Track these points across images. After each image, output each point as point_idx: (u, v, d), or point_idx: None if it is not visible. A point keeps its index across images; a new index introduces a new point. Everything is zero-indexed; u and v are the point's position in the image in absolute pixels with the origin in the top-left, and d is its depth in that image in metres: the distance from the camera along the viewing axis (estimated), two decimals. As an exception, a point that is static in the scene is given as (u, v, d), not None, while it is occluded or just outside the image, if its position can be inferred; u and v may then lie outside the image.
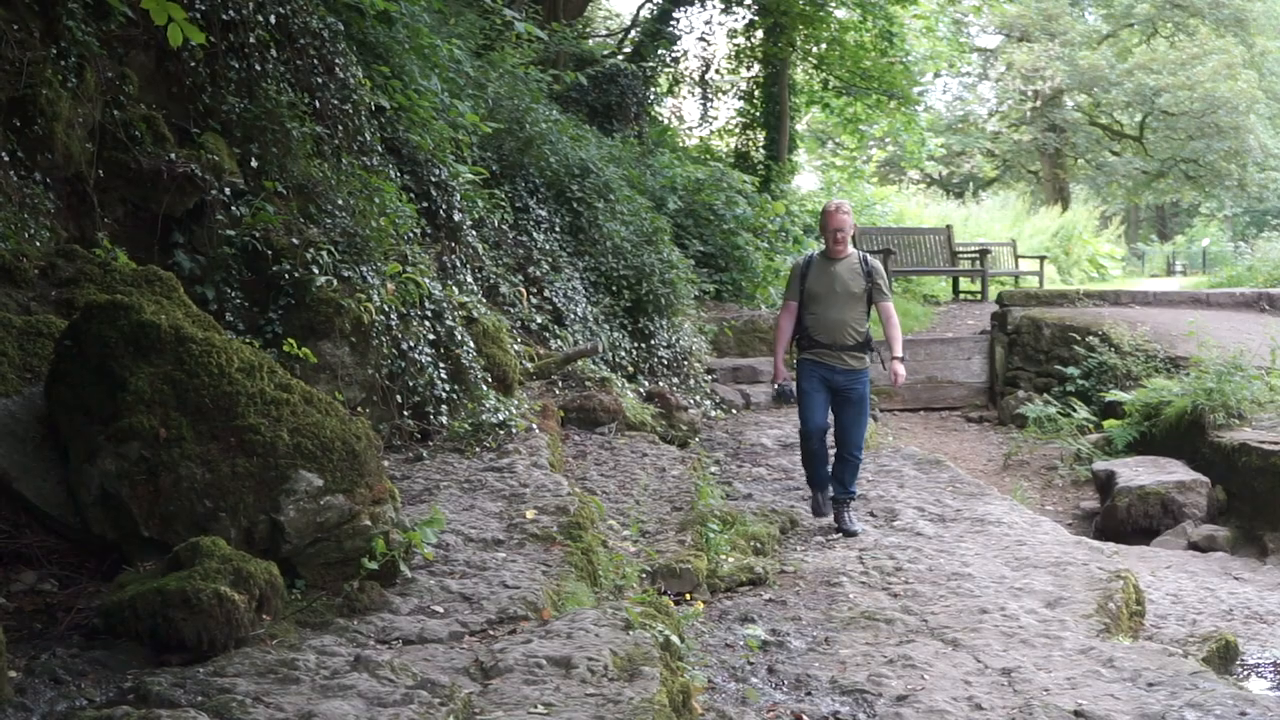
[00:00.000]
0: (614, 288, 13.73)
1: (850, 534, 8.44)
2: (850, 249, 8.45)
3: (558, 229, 13.56)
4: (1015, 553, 8.11)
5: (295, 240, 7.74)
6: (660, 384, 13.15)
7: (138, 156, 7.22)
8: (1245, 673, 6.99)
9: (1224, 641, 6.99)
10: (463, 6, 15.37)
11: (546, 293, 12.44)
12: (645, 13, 26.85)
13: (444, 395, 8.47)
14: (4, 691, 3.83)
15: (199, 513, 4.93)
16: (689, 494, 8.69)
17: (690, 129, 28.11)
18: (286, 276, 7.56)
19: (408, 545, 5.35)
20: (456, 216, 10.82)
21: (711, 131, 28.14)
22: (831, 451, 8.77)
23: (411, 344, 8.28)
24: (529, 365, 10.73)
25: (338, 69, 9.22)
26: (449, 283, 9.82)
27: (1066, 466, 13.44)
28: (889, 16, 25.69)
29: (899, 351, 8.39)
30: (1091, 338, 15.58)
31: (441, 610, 5.19)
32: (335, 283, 7.77)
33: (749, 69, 27.09)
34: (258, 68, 8.28)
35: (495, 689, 4.27)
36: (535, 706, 4.08)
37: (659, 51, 25.54)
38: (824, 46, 26.65)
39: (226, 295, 7.40)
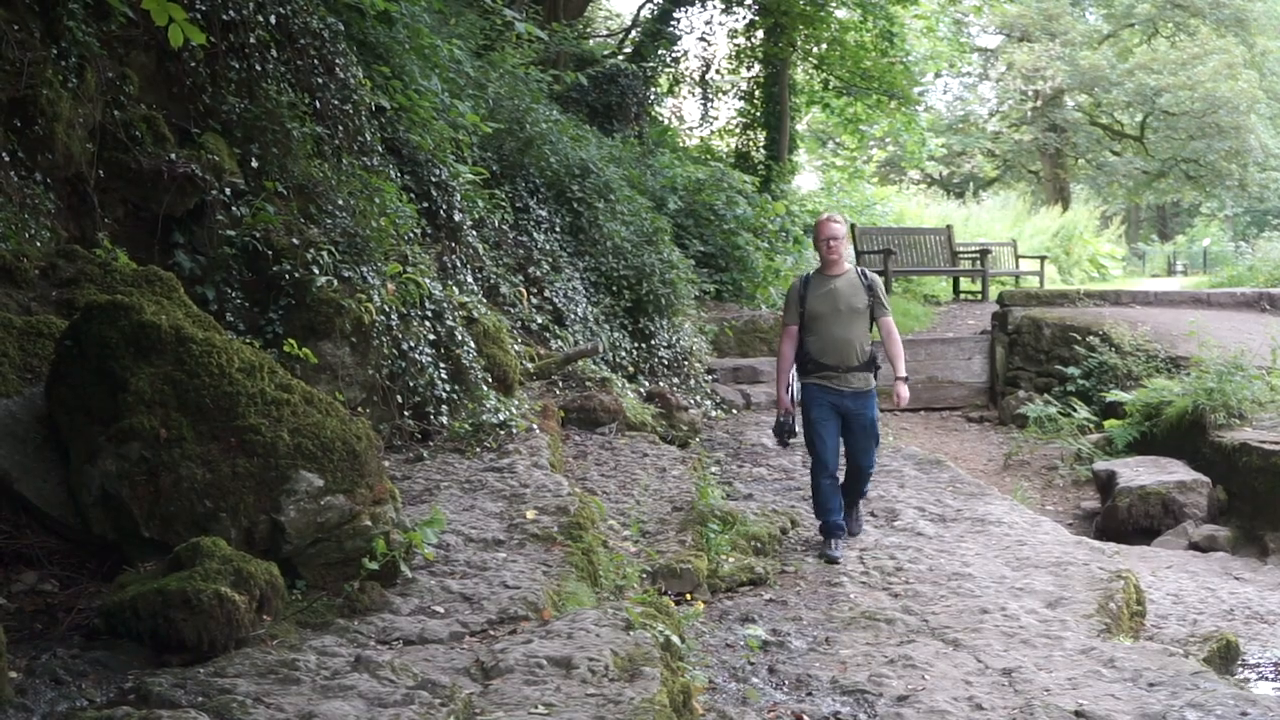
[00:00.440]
0: (614, 288, 13.73)
1: (851, 533, 8.32)
2: (847, 264, 8.13)
3: (558, 229, 13.56)
4: (1016, 553, 8.11)
5: (295, 240, 7.74)
6: (661, 384, 13.16)
7: (138, 157, 7.22)
8: (1246, 673, 6.98)
9: (1225, 641, 6.99)
10: (463, 7, 15.38)
11: (547, 293, 12.44)
12: (645, 13, 26.86)
13: (444, 395, 8.47)
14: (5, 692, 3.83)
15: (199, 513, 4.93)
16: (689, 494, 8.69)
17: (691, 129, 28.13)
18: (287, 277, 7.56)
19: (408, 545, 5.35)
20: (457, 217, 10.82)
21: (712, 131, 28.16)
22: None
23: (412, 344, 8.28)
24: (529, 365, 10.73)
25: (338, 69, 9.22)
26: (449, 283, 9.82)
27: (1067, 466, 13.43)
28: (889, 16, 25.69)
29: (902, 371, 8.08)
30: (1092, 338, 15.57)
31: (442, 610, 5.19)
32: (336, 283, 7.77)
33: (749, 69, 27.11)
34: (258, 68, 8.28)
35: (496, 689, 4.27)
36: (536, 707, 4.08)
37: (659, 51, 25.55)
38: (824, 46, 26.66)
39: (227, 295, 7.40)
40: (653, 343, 13.89)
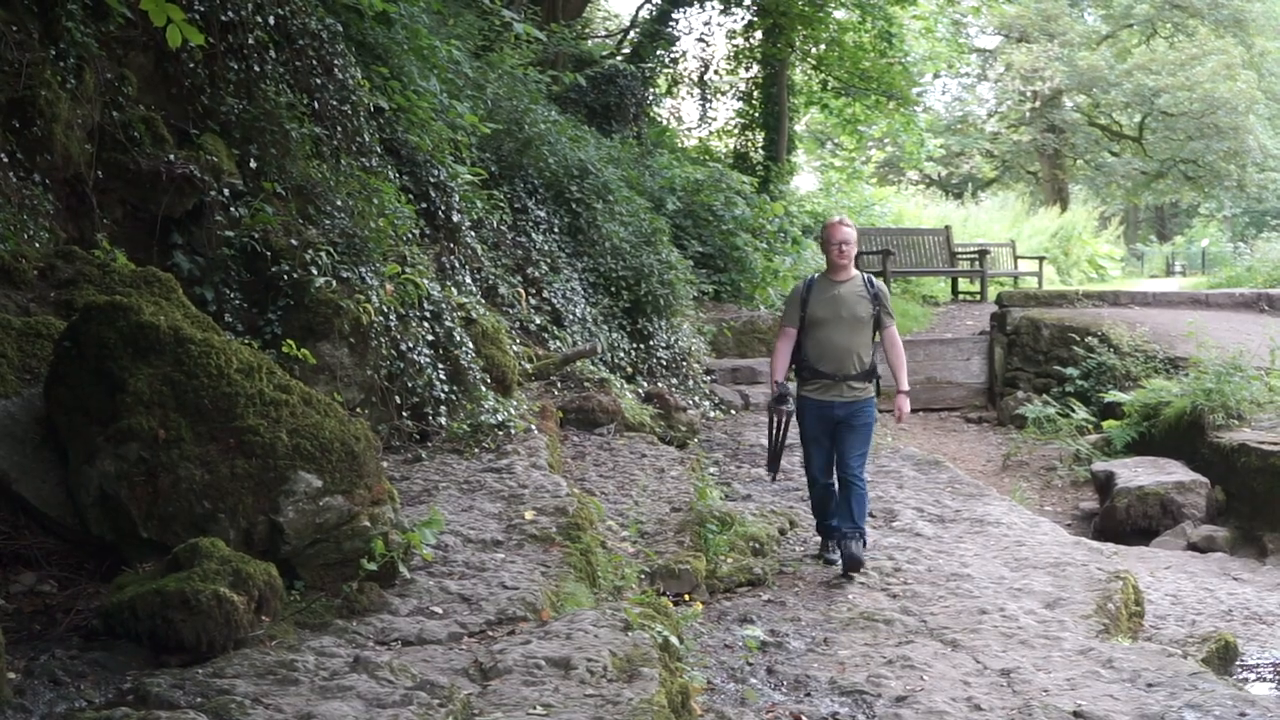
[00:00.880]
0: (613, 288, 13.73)
1: (858, 565, 7.56)
2: (854, 270, 7.82)
3: (556, 230, 13.56)
4: (1014, 553, 8.11)
5: (294, 241, 7.74)
6: (659, 385, 13.15)
7: (137, 158, 7.22)
8: (1244, 673, 6.99)
9: (1223, 642, 6.99)
10: (461, 7, 15.38)
11: (545, 293, 12.44)
12: (644, 13, 26.85)
13: (443, 396, 8.47)
14: (3, 693, 3.83)
15: (198, 514, 4.93)
16: (688, 495, 8.69)
17: (689, 130, 28.12)
18: (285, 277, 7.56)
19: (407, 546, 5.35)
20: (455, 217, 10.82)
21: (710, 132, 28.16)
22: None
23: (410, 345, 8.27)
24: (528, 366, 10.72)
25: (337, 70, 9.22)
26: (448, 283, 9.82)
27: (1066, 467, 13.44)
28: (888, 17, 25.68)
29: (904, 384, 7.82)
30: (1091, 338, 15.58)
31: (440, 611, 5.19)
32: (334, 284, 7.77)
33: (748, 70, 27.11)
34: (257, 69, 8.28)
35: (494, 690, 4.27)
36: (534, 707, 4.08)
37: (658, 52, 25.55)
38: (823, 47, 26.66)
39: (225, 296, 7.40)
40: (651, 343, 13.89)
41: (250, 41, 8.24)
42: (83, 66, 6.92)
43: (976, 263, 23.57)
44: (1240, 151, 39.90)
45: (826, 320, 7.63)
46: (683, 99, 28.19)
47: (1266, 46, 41.94)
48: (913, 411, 16.26)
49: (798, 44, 26.00)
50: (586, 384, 11.54)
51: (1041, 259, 26.12)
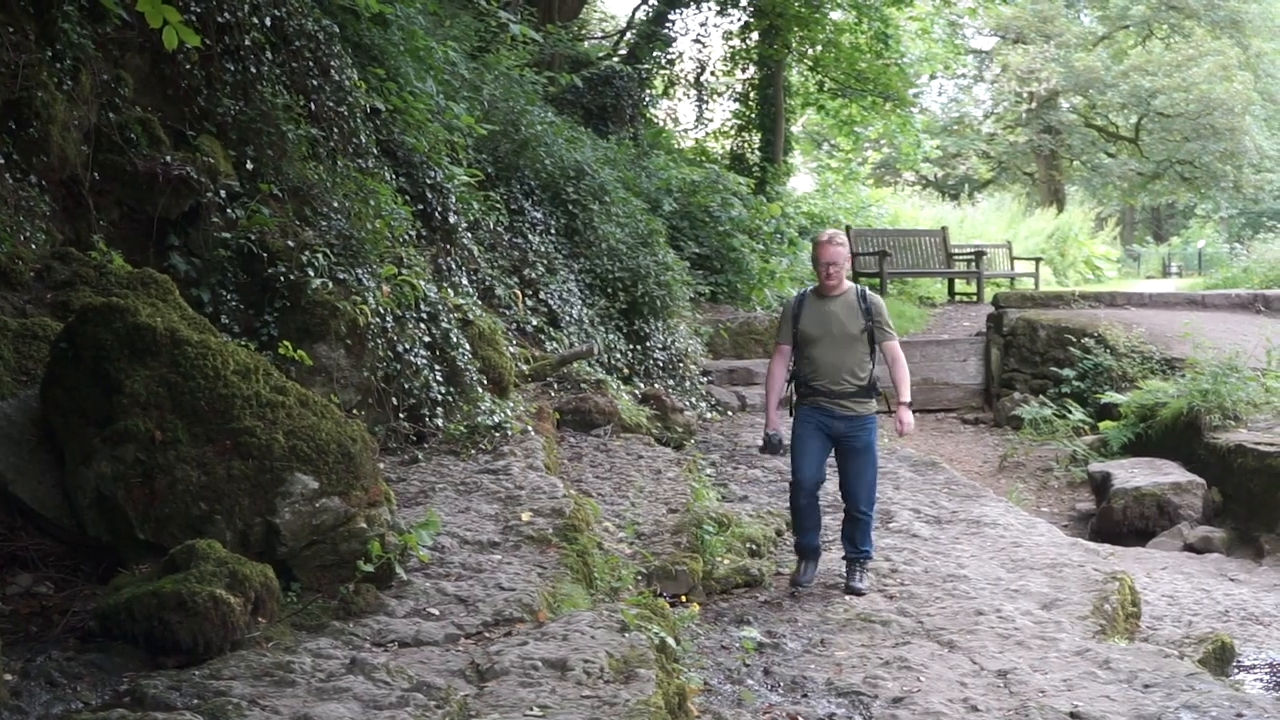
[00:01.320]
0: (609, 290, 13.73)
1: (857, 593, 7.30)
2: (846, 284, 7.48)
3: (553, 231, 13.56)
4: (1011, 554, 8.11)
5: (291, 243, 7.74)
6: (656, 386, 13.16)
7: (133, 159, 7.22)
8: (1241, 674, 6.99)
9: (1220, 643, 7.00)
10: (458, 9, 15.38)
11: (542, 295, 12.45)
12: (640, 15, 26.88)
13: (439, 397, 8.47)
14: (0, 694, 3.83)
15: (194, 515, 4.93)
16: (684, 496, 8.69)
17: (685, 131, 28.19)
18: (282, 279, 7.56)
19: (403, 548, 5.35)
20: (452, 219, 10.82)
21: (707, 133, 28.19)
22: (830, 503, 8.09)
23: (407, 346, 8.27)
24: (524, 367, 10.73)
25: (333, 71, 9.22)
26: (444, 285, 9.82)
27: (1062, 468, 13.45)
28: (884, 18, 25.72)
29: (906, 397, 7.48)
30: (1087, 339, 15.59)
31: (437, 613, 5.19)
32: (331, 285, 7.77)
33: (744, 71, 27.13)
34: (253, 70, 8.27)
35: (491, 691, 4.27)
36: (531, 709, 4.08)
37: (654, 53, 25.58)
38: (819, 48, 26.68)
39: (222, 298, 7.40)
40: (648, 345, 13.90)
41: (247, 43, 8.24)
42: (79, 68, 6.92)
43: (973, 264, 23.57)
44: (1236, 152, 39.94)
45: (818, 337, 7.37)
46: (679, 100, 28.27)
47: (1263, 47, 41.97)
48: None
49: (794, 45, 26.02)
50: (583, 385, 11.54)
51: (1038, 260, 26.12)
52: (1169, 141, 41.82)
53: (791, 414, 7.57)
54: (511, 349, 10.39)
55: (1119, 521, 11.06)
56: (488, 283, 11.40)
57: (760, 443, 7.94)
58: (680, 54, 27.03)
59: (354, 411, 7.65)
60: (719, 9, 26.53)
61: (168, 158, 7.34)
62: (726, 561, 7.65)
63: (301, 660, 4.36)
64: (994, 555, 8.12)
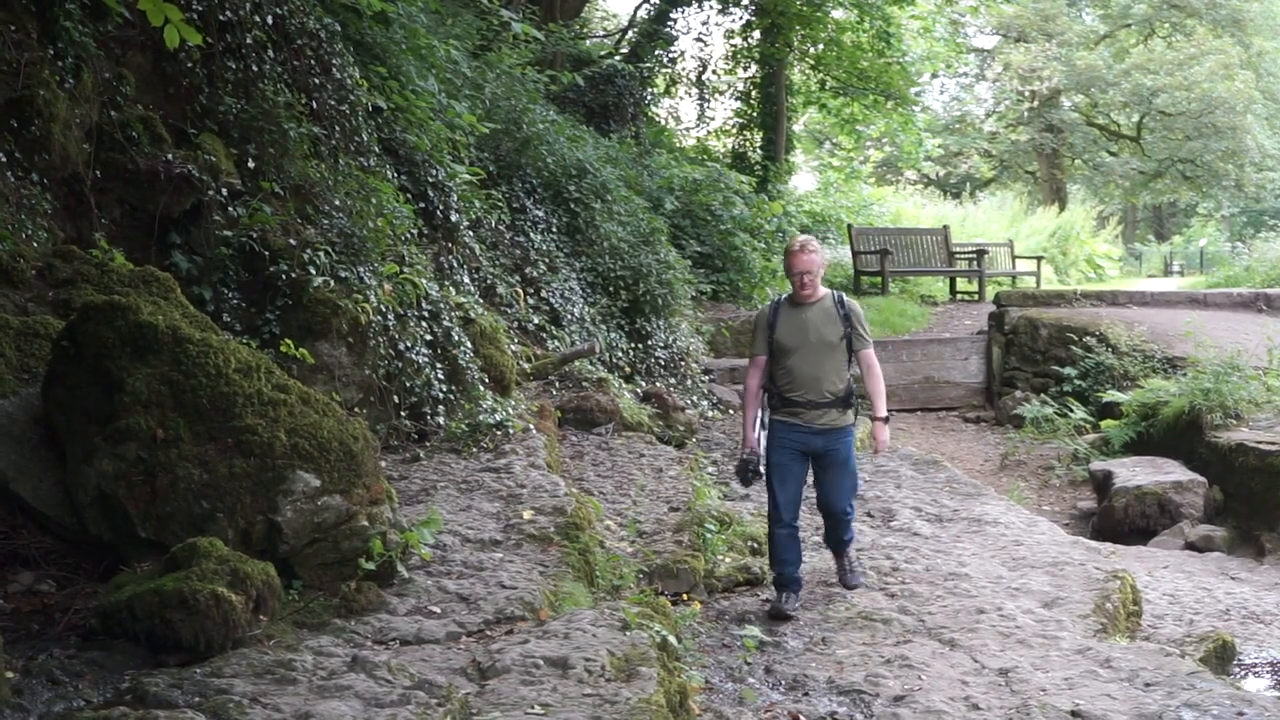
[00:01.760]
0: (611, 288, 13.73)
1: (852, 587, 7.27)
2: (822, 290, 7.15)
3: (555, 229, 13.56)
4: (1012, 553, 8.11)
5: (292, 241, 7.74)
6: (657, 384, 13.16)
7: (135, 157, 7.23)
8: (1242, 673, 6.99)
9: (1221, 641, 6.99)
10: (460, 7, 15.38)
11: (543, 293, 12.45)
12: (642, 13, 26.87)
13: (441, 396, 8.47)
14: (2, 692, 3.83)
15: (196, 513, 4.93)
16: (686, 494, 8.69)
17: (687, 129, 28.17)
18: (283, 277, 7.56)
19: (405, 546, 5.35)
20: (453, 217, 10.82)
21: (708, 132, 28.19)
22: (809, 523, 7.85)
23: (408, 344, 8.28)
24: (526, 366, 10.73)
25: (335, 69, 9.22)
26: (446, 283, 9.82)
27: (1064, 466, 13.44)
28: (886, 17, 25.70)
29: (882, 411, 7.19)
30: (1089, 338, 15.58)
31: (439, 611, 5.19)
32: (332, 283, 7.77)
33: (746, 69, 27.13)
34: (255, 68, 8.27)
35: (492, 689, 4.27)
36: (532, 707, 4.08)
37: (656, 52, 25.56)
38: (821, 47, 26.67)
39: (224, 296, 7.40)
40: (649, 343, 13.89)
41: (248, 41, 8.24)
42: (81, 66, 6.92)
43: (974, 262, 23.55)
44: (1238, 151, 39.93)
45: (795, 347, 7.04)
46: (681, 99, 28.25)
47: (1264, 46, 41.94)
48: (910, 411, 16.46)
49: (796, 44, 26.02)
50: (585, 384, 11.54)
51: (1039, 259, 26.10)
52: (1171, 140, 41.81)
53: (763, 426, 7.19)
54: (513, 347, 10.39)
55: (1120, 520, 11.06)
56: (489, 281, 11.40)
57: (734, 465, 7.49)
58: (682, 52, 27.05)
59: (356, 410, 7.65)
60: (721, 8, 26.54)
61: (169, 156, 7.34)
62: (728, 560, 7.65)
63: (303, 658, 4.36)
64: (995, 554, 8.12)
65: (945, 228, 24.64)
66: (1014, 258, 25.54)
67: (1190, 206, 52.11)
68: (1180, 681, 5.60)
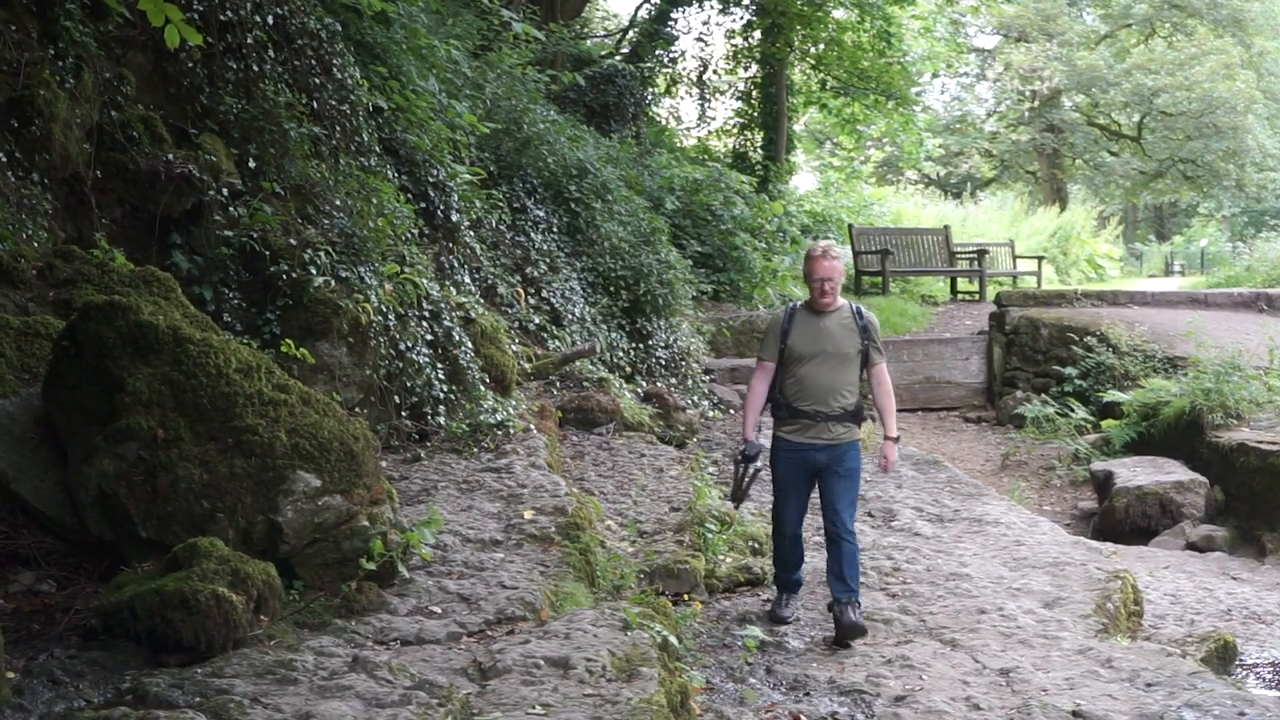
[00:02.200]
0: (611, 288, 13.73)
1: (860, 632, 6.52)
2: (840, 300, 6.84)
3: (555, 229, 13.56)
4: (1013, 553, 8.11)
5: (293, 241, 7.74)
6: (658, 384, 13.15)
7: (135, 157, 7.22)
8: (1244, 673, 6.99)
9: (1222, 641, 6.99)
10: (460, 7, 15.37)
11: (544, 293, 12.44)
12: (643, 13, 26.86)
13: (442, 396, 8.46)
14: (2, 692, 3.83)
15: (197, 513, 4.93)
16: (687, 494, 8.68)
17: (688, 129, 28.16)
18: (284, 277, 7.56)
19: (405, 546, 5.35)
20: (454, 217, 10.82)
21: (709, 132, 28.19)
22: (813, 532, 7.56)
23: (409, 344, 8.27)
24: (527, 366, 10.72)
25: (335, 69, 9.22)
26: (447, 283, 9.81)
27: (1064, 467, 13.44)
28: (887, 17, 25.70)
29: (893, 430, 6.93)
30: (1089, 338, 15.58)
31: (439, 611, 5.19)
32: (333, 283, 7.77)
33: (747, 69, 27.13)
34: (255, 68, 8.27)
35: (493, 689, 4.27)
36: (533, 707, 4.08)
37: (657, 52, 25.56)
38: (822, 47, 26.67)
39: (224, 296, 7.40)
40: (650, 343, 13.89)
41: (249, 41, 8.23)
42: (81, 66, 6.92)
43: (975, 262, 23.55)
44: (1239, 151, 39.93)
45: (808, 356, 6.73)
46: (681, 99, 28.24)
47: (1265, 46, 41.94)
48: (911, 411, 16.45)
49: (796, 43, 26.01)
50: (585, 384, 11.54)
51: (1040, 259, 26.09)
52: (1171, 140, 41.81)
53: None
54: (514, 347, 10.39)
55: (1121, 520, 11.06)
56: (490, 281, 11.39)
57: (734, 458, 7.24)
58: (683, 52, 27.04)
59: (356, 410, 7.65)
60: (721, 7, 26.53)
61: (170, 156, 7.34)
62: (729, 560, 7.65)
63: (304, 658, 4.36)
64: (996, 554, 8.12)
65: (946, 228, 24.64)
66: (1015, 258, 25.53)
67: (1191, 206, 52.12)
68: (1182, 682, 5.60)
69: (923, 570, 7.70)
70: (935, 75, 44.17)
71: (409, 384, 8.23)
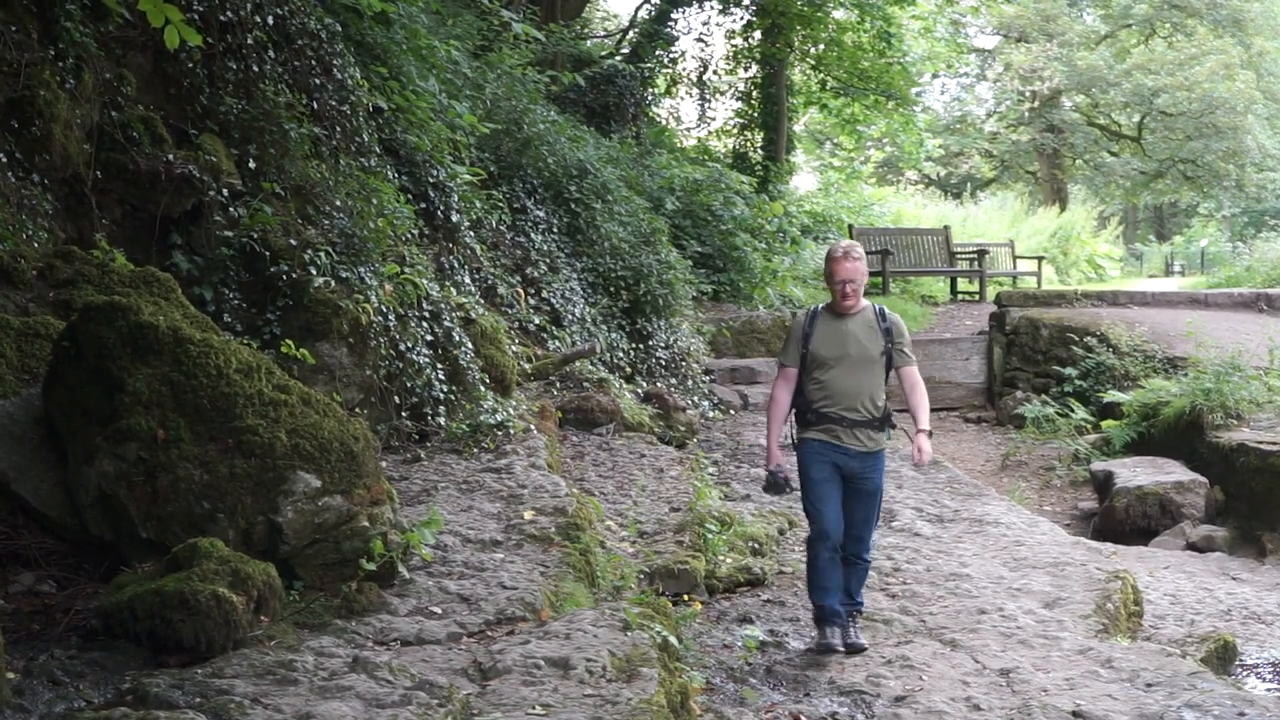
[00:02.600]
0: (612, 288, 13.73)
1: (859, 650, 6.40)
2: (863, 301, 6.59)
3: (555, 230, 13.56)
4: (1013, 553, 8.12)
5: (293, 241, 7.74)
6: (658, 385, 13.15)
7: (136, 158, 7.22)
8: (1243, 673, 6.99)
9: (1222, 642, 7.00)
10: (460, 7, 15.37)
11: (544, 293, 12.44)
12: (643, 13, 26.86)
13: (442, 396, 8.46)
14: (2, 693, 3.83)
15: (197, 514, 4.93)
16: (687, 495, 8.68)
17: (688, 130, 28.14)
18: (284, 277, 7.56)
19: (406, 546, 5.35)
20: (454, 217, 10.82)
21: (709, 132, 28.17)
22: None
23: (409, 345, 8.27)
24: (527, 366, 10.72)
25: (335, 70, 9.22)
26: (447, 283, 9.81)
27: (1065, 467, 13.45)
28: (887, 17, 25.69)
29: (925, 424, 6.59)
30: (1090, 338, 15.59)
31: (440, 611, 5.19)
32: (333, 284, 7.77)
33: (747, 69, 27.11)
34: (255, 69, 8.27)
35: (493, 690, 4.27)
36: (533, 707, 4.08)
37: (657, 52, 25.54)
38: (822, 47, 26.66)
39: (224, 296, 7.40)
40: (650, 343, 13.89)
41: (249, 41, 8.23)
42: (81, 66, 6.92)
43: (975, 263, 23.55)
44: (1239, 151, 39.92)
45: (831, 359, 6.48)
46: (681, 99, 28.22)
47: (1265, 46, 41.92)
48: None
49: (796, 44, 26.00)
50: (585, 384, 11.54)
51: (1040, 259, 26.10)
52: (1171, 140, 41.80)
53: (791, 443, 6.67)
54: (514, 348, 10.39)
55: (1121, 520, 11.06)
56: (490, 281, 11.39)
57: (763, 483, 7.02)
58: (683, 53, 27.02)
59: (356, 410, 7.65)
60: (721, 8, 26.51)
61: (170, 156, 7.34)
62: (729, 560, 7.65)
63: (304, 659, 4.36)
64: (996, 554, 8.12)
65: (946, 228, 24.64)
66: (1015, 258, 25.54)
67: (1191, 207, 52.11)
68: (1181, 682, 5.61)
69: (923, 570, 7.70)
70: (935, 75, 44.21)
71: (409, 384, 8.23)
